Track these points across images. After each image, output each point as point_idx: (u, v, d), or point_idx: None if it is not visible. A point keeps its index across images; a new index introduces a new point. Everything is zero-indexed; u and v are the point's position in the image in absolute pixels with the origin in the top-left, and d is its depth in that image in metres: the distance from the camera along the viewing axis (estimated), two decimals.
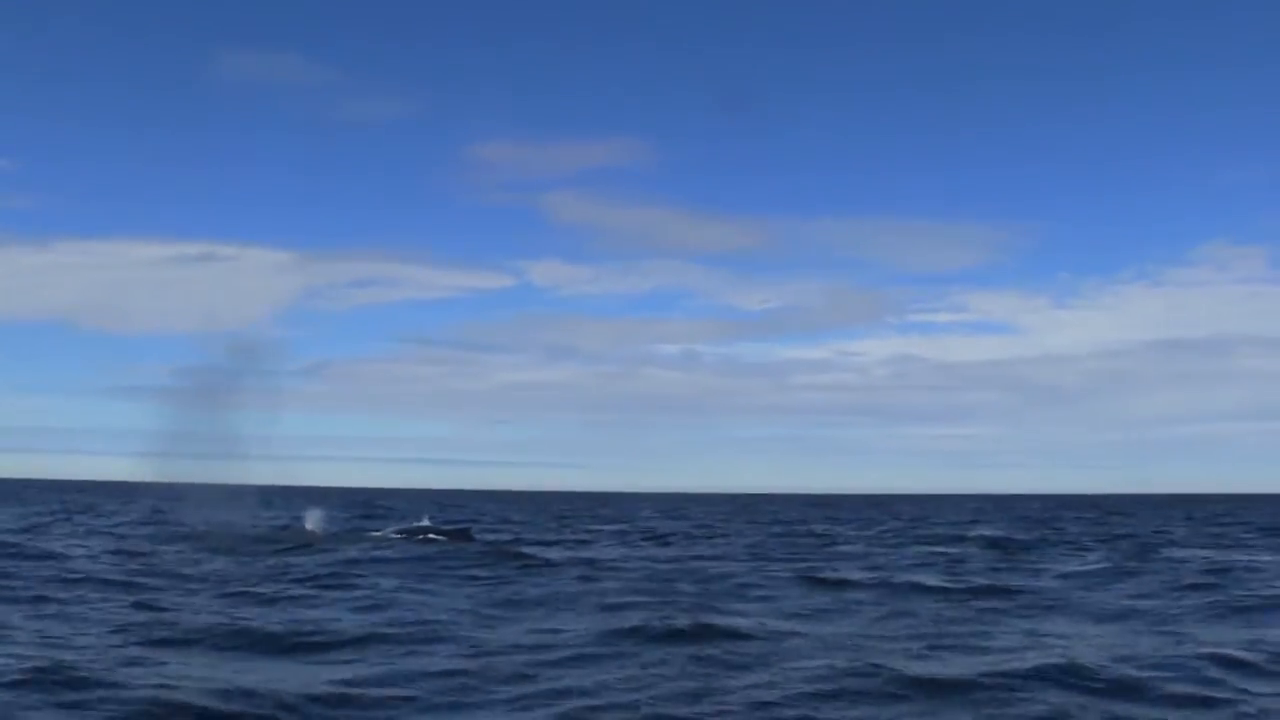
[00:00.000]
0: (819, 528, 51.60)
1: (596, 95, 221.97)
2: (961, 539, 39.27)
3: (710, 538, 41.72)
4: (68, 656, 12.23)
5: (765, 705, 10.48)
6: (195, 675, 11.43)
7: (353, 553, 28.22)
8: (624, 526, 51.50)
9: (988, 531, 44.58)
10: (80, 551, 28.08)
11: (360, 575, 22.53)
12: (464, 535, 36.07)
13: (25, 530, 38.30)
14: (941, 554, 31.28)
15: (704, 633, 14.38)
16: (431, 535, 34.91)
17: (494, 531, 43.59)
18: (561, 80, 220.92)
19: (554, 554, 29.90)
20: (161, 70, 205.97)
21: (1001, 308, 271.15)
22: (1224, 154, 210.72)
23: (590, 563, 26.88)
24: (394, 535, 35.61)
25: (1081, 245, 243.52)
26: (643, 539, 40.59)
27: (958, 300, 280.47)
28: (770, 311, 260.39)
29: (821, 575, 23.46)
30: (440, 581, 21.67)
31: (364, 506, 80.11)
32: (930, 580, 22.58)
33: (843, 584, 21.80)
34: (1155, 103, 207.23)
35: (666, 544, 37.36)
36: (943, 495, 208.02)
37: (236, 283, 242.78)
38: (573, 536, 41.63)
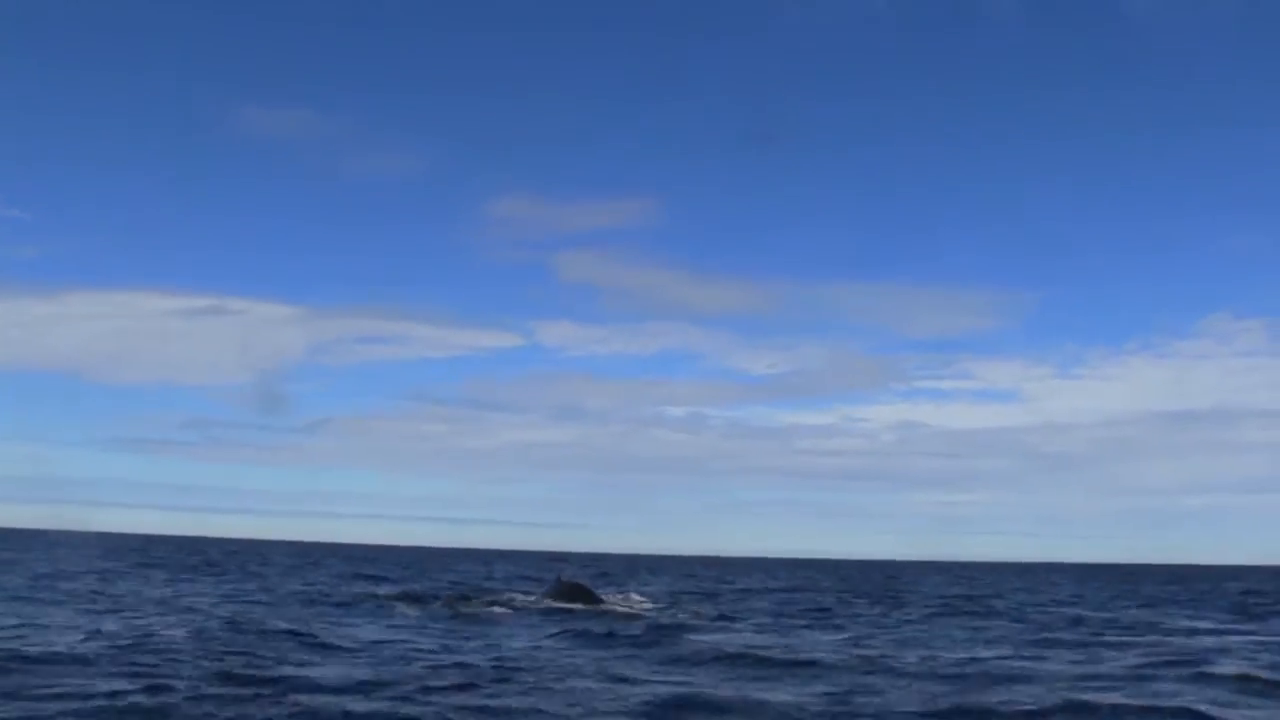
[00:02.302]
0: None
1: (608, 154, 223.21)
2: None
3: (891, 611, 35.59)
4: None
5: None
6: None
7: (523, 628, 25.16)
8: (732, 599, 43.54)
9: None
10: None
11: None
12: (595, 603, 32.35)
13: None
14: None
15: None
16: (560, 604, 31.72)
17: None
18: (573, 138, 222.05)
19: (760, 640, 23.88)
20: (174, 122, 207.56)
21: (1006, 375, 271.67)
22: (1226, 223, 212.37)
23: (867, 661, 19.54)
24: (526, 600, 33.02)
25: (1087, 314, 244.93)
26: (800, 612, 33.93)
27: (963, 367, 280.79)
28: (777, 375, 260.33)
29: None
30: None
31: (371, 564, 79.02)
32: None
33: None
34: (1159, 170, 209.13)
35: (837, 627, 28.94)
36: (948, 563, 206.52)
37: (244, 336, 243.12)
38: (715, 610, 34.58)
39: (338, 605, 31.11)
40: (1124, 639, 25.78)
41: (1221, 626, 31.42)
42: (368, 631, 23.41)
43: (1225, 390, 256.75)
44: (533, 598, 34.20)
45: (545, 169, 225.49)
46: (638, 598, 37.50)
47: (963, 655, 21.17)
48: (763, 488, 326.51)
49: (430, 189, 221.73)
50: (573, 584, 35.24)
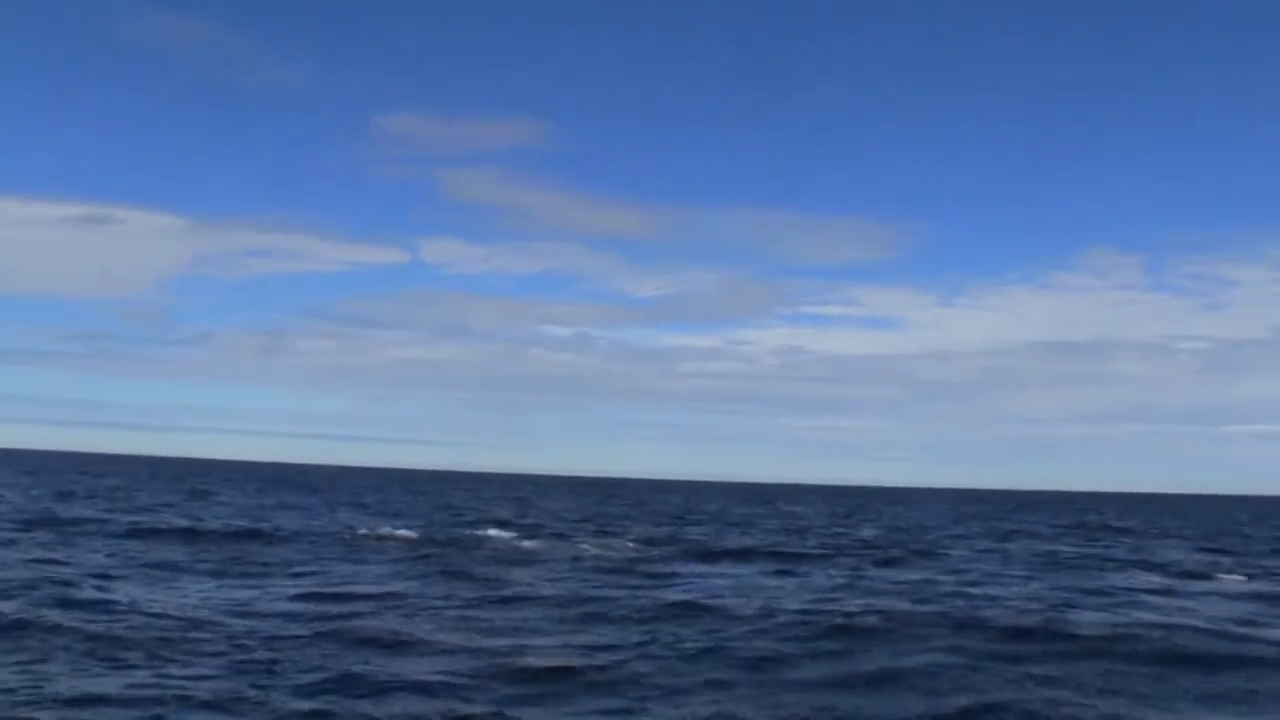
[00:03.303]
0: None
1: (503, 75, 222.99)
2: None
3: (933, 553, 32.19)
4: None
5: None
6: None
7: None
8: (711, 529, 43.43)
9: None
10: None
11: None
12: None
13: None
14: None
15: None
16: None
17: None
18: (468, 57, 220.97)
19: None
20: (60, 27, 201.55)
21: (890, 303, 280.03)
22: (1109, 163, 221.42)
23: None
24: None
25: (970, 246, 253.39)
26: (857, 553, 31.23)
27: (848, 294, 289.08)
28: (662, 298, 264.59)
29: None
30: None
31: (277, 486, 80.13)
32: None
33: None
34: (1046, 111, 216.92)
35: (899, 564, 28.03)
36: (822, 486, 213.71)
37: (126, 247, 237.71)
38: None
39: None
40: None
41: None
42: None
43: (1102, 322, 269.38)
44: None
45: (437, 86, 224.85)
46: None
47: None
48: (646, 410, 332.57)
49: (320, 102, 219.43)
50: None
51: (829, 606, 17.78)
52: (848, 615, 16.39)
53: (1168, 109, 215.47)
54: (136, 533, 29.14)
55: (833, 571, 25.10)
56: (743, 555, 29.40)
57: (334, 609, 16.36)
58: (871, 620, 15.93)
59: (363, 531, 32.09)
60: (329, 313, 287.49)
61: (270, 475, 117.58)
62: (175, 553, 24.36)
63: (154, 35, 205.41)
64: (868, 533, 42.97)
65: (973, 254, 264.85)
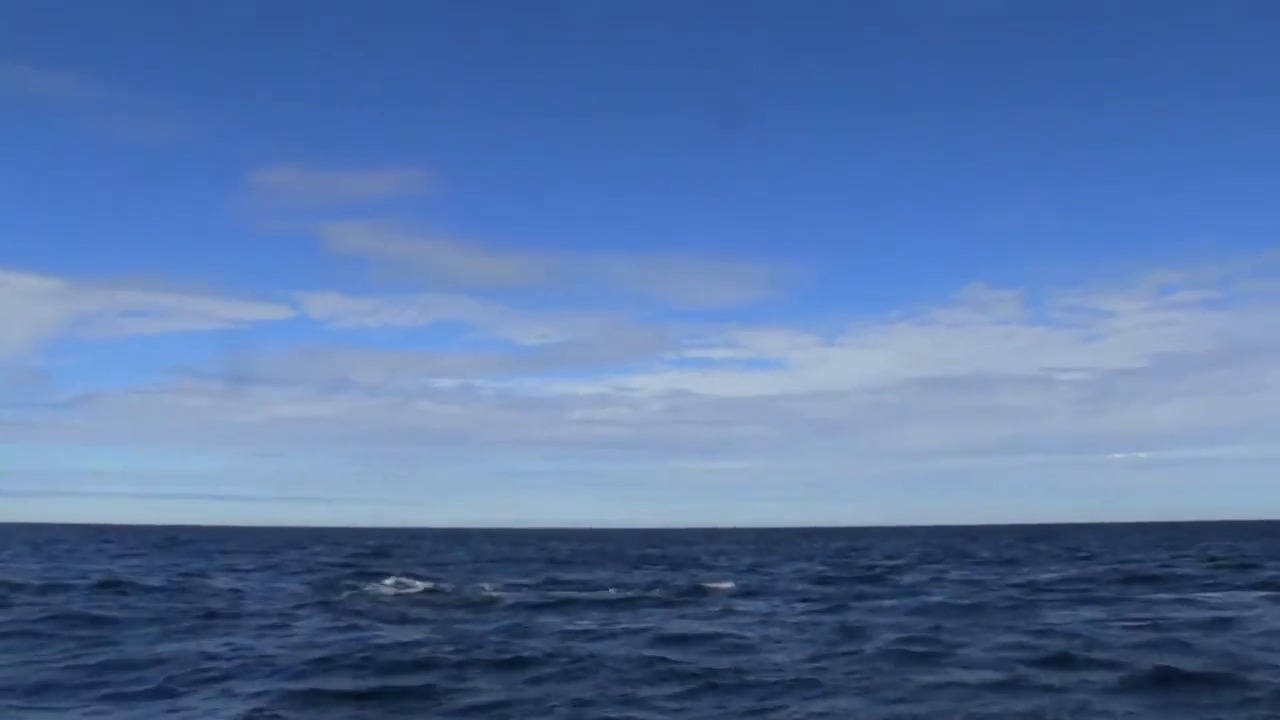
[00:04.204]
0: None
1: (377, 124, 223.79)
2: None
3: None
4: None
5: None
6: None
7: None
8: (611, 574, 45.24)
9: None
10: None
11: None
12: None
13: None
14: None
15: None
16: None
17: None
18: (344, 107, 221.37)
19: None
20: None
21: (773, 344, 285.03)
22: (985, 199, 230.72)
23: None
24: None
25: (851, 284, 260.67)
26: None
27: (732, 336, 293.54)
28: (548, 346, 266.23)
29: None
30: None
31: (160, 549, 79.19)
32: None
33: None
34: (920, 148, 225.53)
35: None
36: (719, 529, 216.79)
37: (1, 310, 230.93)
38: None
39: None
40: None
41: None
42: None
43: (982, 357, 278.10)
44: None
45: (315, 138, 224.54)
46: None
47: None
48: (533, 458, 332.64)
49: (196, 157, 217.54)
50: None
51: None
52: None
53: (1040, 143, 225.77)
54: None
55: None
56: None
57: None
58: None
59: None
60: (211, 371, 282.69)
61: (170, 537, 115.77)
62: None
63: (21, 91, 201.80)
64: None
65: (854, 293, 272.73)
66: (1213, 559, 49.11)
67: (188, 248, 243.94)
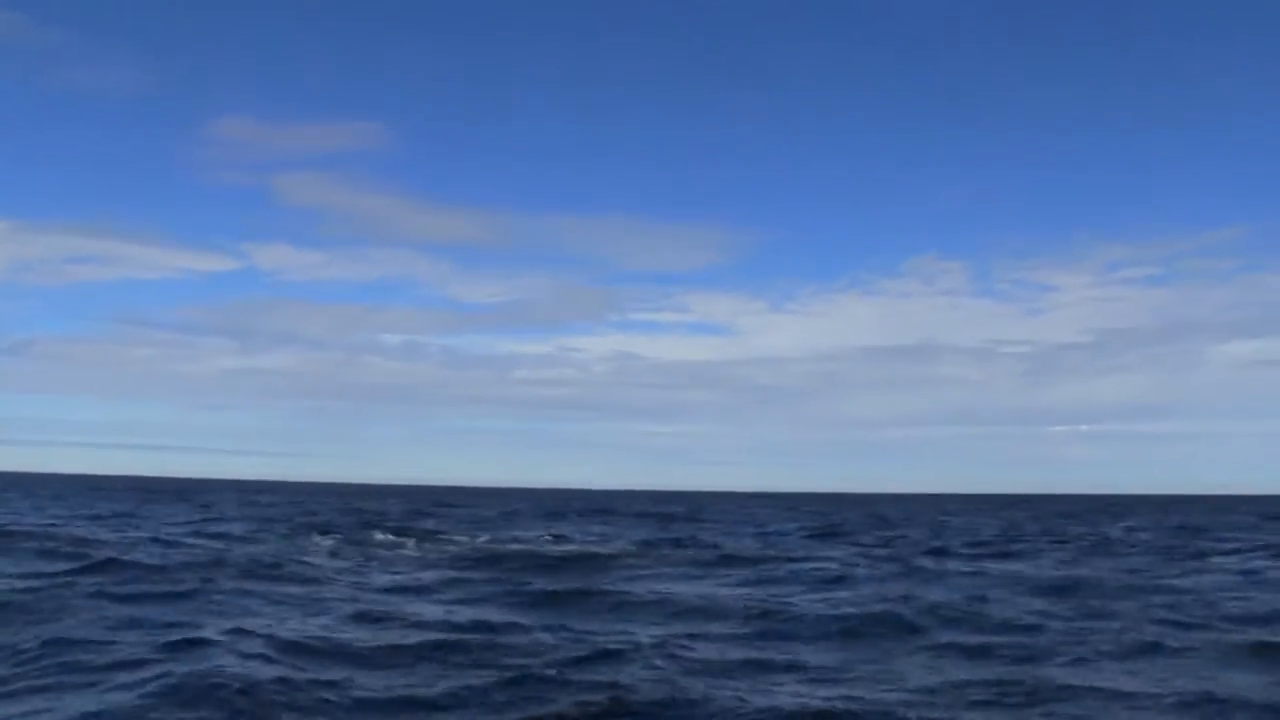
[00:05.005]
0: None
1: (334, 77, 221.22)
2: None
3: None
4: None
5: None
6: None
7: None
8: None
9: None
10: None
11: None
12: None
13: None
14: None
15: None
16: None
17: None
18: (299, 60, 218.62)
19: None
20: None
21: (721, 310, 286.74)
22: (935, 171, 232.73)
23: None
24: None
25: (800, 253, 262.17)
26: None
27: (679, 301, 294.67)
28: (496, 305, 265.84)
29: None
30: None
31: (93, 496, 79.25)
32: None
33: None
34: (875, 120, 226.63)
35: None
36: (652, 491, 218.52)
37: None
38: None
39: None
40: None
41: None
42: None
43: (929, 327, 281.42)
44: None
45: (268, 89, 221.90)
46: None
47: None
48: (478, 417, 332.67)
49: (148, 105, 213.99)
50: None
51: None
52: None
53: (991, 116, 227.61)
54: None
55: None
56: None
57: None
58: None
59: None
60: (155, 320, 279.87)
61: (94, 486, 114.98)
62: None
63: None
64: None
65: (803, 261, 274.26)
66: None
67: (137, 196, 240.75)
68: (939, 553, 33.83)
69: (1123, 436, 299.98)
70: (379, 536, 35.74)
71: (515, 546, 32.85)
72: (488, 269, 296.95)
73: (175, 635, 14.16)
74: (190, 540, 31.55)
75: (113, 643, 13.82)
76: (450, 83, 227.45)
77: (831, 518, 69.15)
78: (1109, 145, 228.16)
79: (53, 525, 36.96)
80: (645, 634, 15.51)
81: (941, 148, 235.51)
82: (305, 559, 26.70)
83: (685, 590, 21.63)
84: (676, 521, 57.76)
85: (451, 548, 32.19)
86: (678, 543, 36.80)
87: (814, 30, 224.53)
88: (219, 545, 29.91)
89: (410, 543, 33.61)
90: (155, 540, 30.81)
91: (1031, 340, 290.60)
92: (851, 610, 18.04)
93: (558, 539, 38.00)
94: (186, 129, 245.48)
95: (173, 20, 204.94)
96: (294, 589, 20.25)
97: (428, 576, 23.64)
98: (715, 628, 16.61)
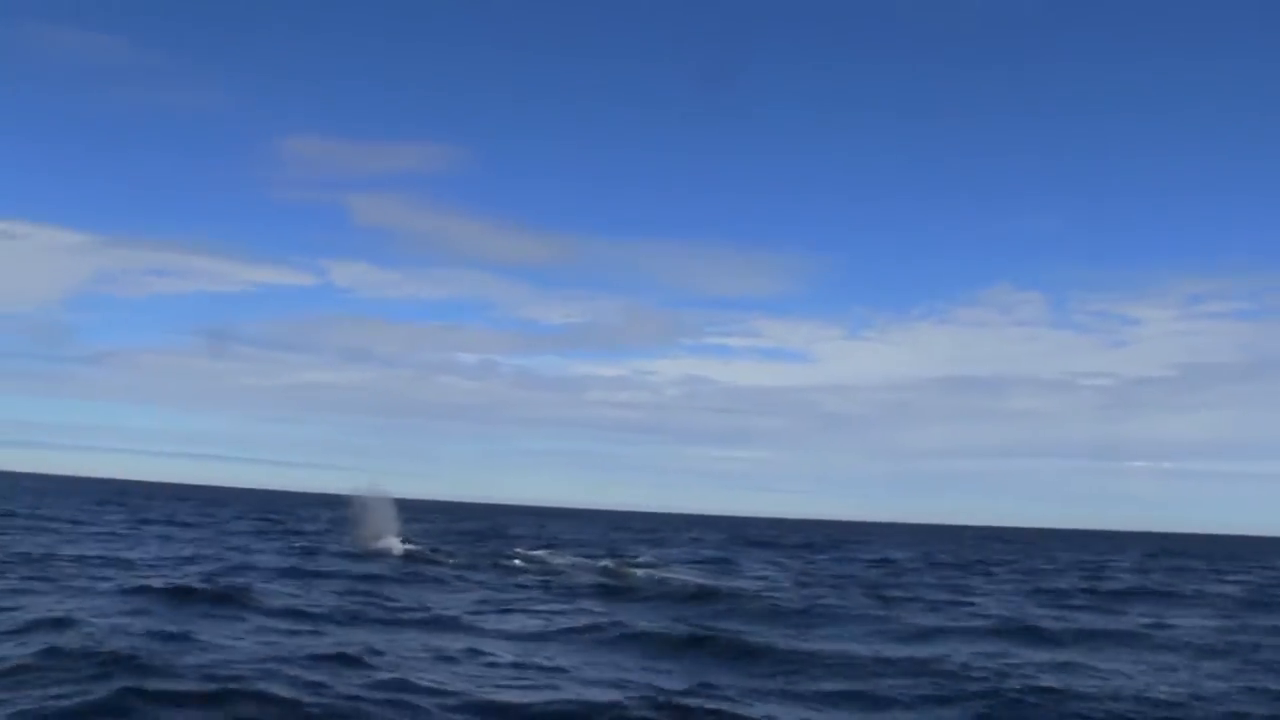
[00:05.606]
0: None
1: (411, 98, 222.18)
2: None
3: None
4: None
5: None
6: None
7: None
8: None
9: None
10: None
11: None
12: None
13: None
14: None
15: None
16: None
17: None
18: (377, 80, 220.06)
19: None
20: None
21: (795, 335, 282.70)
22: (1012, 203, 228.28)
23: None
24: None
25: (877, 280, 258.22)
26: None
27: (753, 325, 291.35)
28: (569, 326, 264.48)
29: None
30: None
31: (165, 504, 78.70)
32: None
33: None
34: (952, 147, 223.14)
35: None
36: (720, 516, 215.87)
37: (29, 262, 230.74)
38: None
39: None
40: None
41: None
42: None
43: (1005, 358, 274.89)
44: None
45: (348, 109, 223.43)
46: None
47: None
48: (550, 438, 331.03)
49: (229, 122, 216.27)
50: None
51: None
52: None
53: (1071, 143, 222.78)
54: None
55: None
56: None
57: None
58: None
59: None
60: (233, 334, 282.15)
61: (178, 495, 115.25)
62: None
63: (57, 50, 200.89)
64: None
65: (877, 289, 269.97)
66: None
67: (216, 212, 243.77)
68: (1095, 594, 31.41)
69: (1206, 475, 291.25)
70: (516, 561, 34.46)
71: (657, 573, 31.41)
72: (560, 291, 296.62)
73: None
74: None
75: None
76: (524, 106, 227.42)
77: (930, 548, 66.66)
78: (1193, 174, 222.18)
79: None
80: None
81: (1020, 176, 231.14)
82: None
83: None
84: (812, 550, 55.76)
85: (584, 576, 30.40)
86: (876, 592, 30.11)
87: (889, 57, 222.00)
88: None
89: (537, 565, 32.74)
90: None
91: (1112, 373, 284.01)
92: None
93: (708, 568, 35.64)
94: (264, 147, 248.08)
95: (250, 41, 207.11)
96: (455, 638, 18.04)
97: (584, 614, 21.41)
98: None
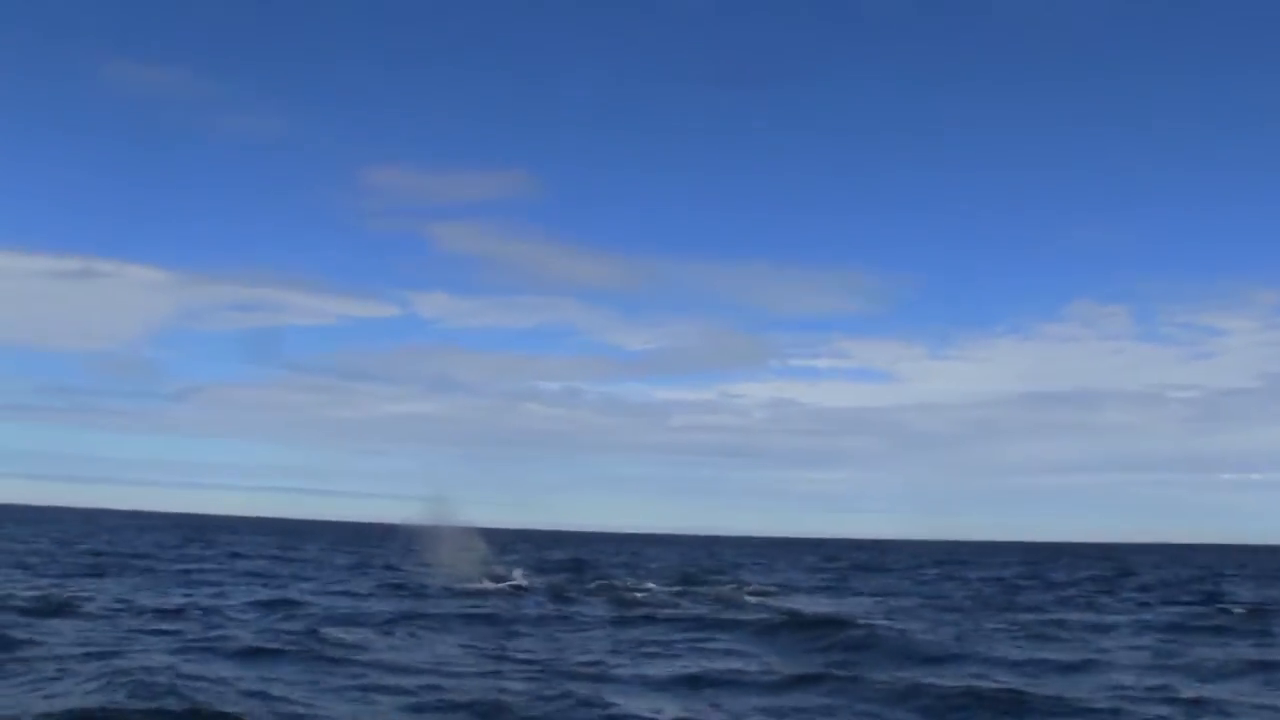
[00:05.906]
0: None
1: (489, 126, 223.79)
2: None
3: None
4: None
5: None
6: None
7: None
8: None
9: None
10: None
11: None
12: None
13: None
14: None
15: None
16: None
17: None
18: (454, 109, 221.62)
19: None
20: (45, 78, 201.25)
21: (879, 355, 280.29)
22: (1093, 215, 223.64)
23: None
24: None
25: (958, 298, 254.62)
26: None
27: (837, 346, 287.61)
28: (653, 352, 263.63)
29: None
30: None
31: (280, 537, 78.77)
32: None
33: None
34: (1030, 161, 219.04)
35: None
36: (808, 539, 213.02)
37: (113, 300, 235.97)
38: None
39: None
40: None
41: None
42: None
43: (1090, 373, 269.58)
44: None
45: (426, 139, 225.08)
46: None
47: None
48: (636, 464, 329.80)
49: (306, 155, 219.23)
50: None
51: None
52: None
53: (1152, 154, 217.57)
54: None
55: None
56: None
57: None
58: None
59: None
60: (318, 366, 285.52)
61: (256, 528, 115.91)
62: None
63: (138, 85, 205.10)
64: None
65: (960, 306, 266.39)
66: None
67: (297, 244, 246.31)
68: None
69: None
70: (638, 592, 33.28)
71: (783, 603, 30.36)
72: (641, 316, 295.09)
73: None
74: None
75: None
76: (599, 131, 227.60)
77: (1034, 566, 64.26)
78: (1274, 182, 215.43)
79: None
80: None
81: (1095, 189, 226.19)
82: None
83: None
84: (920, 569, 53.97)
85: (704, 608, 28.96)
86: (1018, 615, 28.37)
87: (964, 75, 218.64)
88: None
89: (646, 593, 31.95)
90: None
91: (1199, 385, 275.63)
92: None
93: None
94: (342, 178, 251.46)
95: (328, 73, 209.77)
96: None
97: (752, 658, 19.52)
98: None
